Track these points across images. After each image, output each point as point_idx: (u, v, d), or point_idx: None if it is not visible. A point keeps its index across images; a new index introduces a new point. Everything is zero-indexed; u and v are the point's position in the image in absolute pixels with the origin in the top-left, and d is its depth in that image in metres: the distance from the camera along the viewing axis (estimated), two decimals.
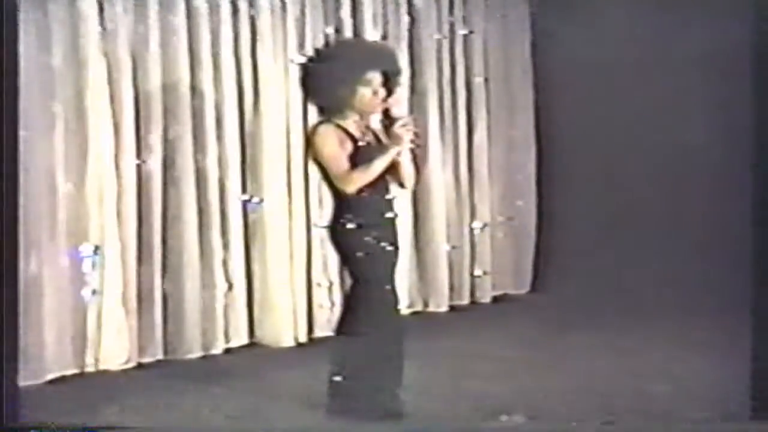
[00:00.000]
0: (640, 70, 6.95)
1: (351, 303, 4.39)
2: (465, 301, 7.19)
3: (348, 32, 6.36)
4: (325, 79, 4.28)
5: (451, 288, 7.09)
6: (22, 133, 4.04)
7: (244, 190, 5.93)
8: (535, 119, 7.65)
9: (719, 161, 6.70)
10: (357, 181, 4.21)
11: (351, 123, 4.31)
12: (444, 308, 7.02)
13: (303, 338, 6.08)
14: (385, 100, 4.32)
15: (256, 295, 5.98)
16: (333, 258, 5.82)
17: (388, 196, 4.37)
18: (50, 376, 5.11)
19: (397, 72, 4.43)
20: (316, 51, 4.61)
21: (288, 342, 5.98)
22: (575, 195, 7.35)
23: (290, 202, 6.06)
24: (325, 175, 4.32)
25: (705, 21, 6.48)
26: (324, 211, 5.73)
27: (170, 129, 5.60)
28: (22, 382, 4.39)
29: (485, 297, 7.31)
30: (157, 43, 5.53)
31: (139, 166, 5.49)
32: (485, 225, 7.28)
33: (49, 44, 5.15)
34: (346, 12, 6.39)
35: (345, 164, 4.22)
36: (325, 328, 5.95)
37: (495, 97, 7.39)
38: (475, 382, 4.97)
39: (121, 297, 5.41)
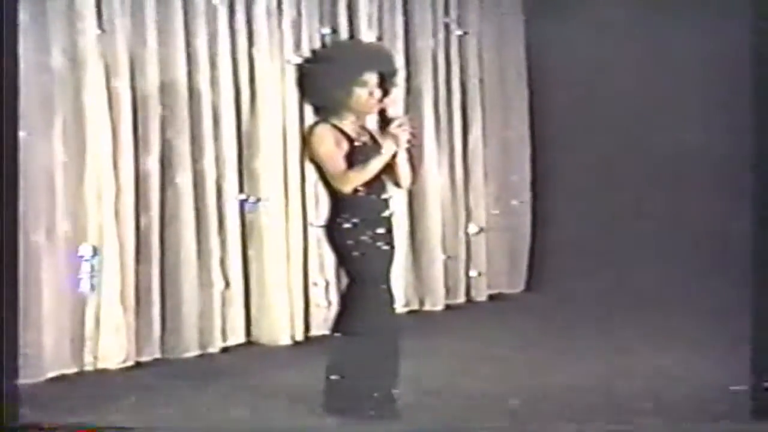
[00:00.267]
0: (635, 70, 6.97)
1: (347, 302, 4.40)
2: (460, 300, 7.22)
3: (344, 33, 6.38)
4: (322, 80, 4.30)
5: (447, 287, 7.12)
6: (21, 133, 4.07)
7: (241, 190, 5.94)
8: (530, 119, 7.67)
9: (718, 161, 6.71)
10: (353, 180, 4.23)
11: (347, 123, 4.33)
12: (440, 307, 7.05)
13: (300, 337, 6.10)
14: (381, 100, 4.34)
15: (253, 294, 6.00)
16: (329, 257, 5.82)
17: (384, 196, 4.39)
18: (49, 375, 5.13)
19: (393, 73, 4.45)
20: (313, 52, 4.64)
21: (285, 341, 6.01)
22: (570, 195, 7.36)
23: (287, 202, 6.08)
24: (321, 175, 4.34)
25: (703, 20, 6.49)
26: (320, 210, 5.75)
27: (168, 129, 5.62)
28: (22, 380, 4.40)
29: (481, 296, 7.33)
30: (154, 44, 5.55)
31: (136, 166, 5.50)
32: (481, 230, 7.30)
33: (47, 45, 5.15)
34: (342, 13, 6.41)
35: (341, 164, 4.24)
36: (321, 327, 5.97)
37: (490, 98, 7.41)
38: (470, 380, 4.99)
39: (119, 296, 5.42)
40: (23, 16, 4.73)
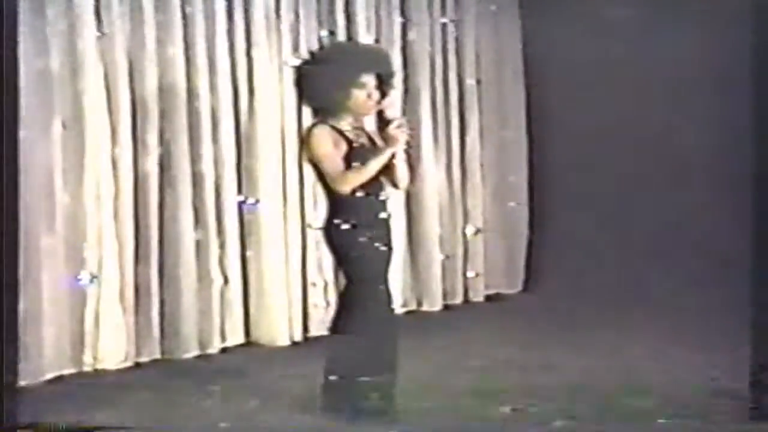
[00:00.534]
0: (633, 69, 6.97)
1: (345, 302, 4.41)
2: (458, 300, 7.24)
3: (342, 35, 6.40)
4: (320, 82, 4.32)
5: (445, 288, 7.14)
6: (20, 134, 4.08)
7: (239, 191, 5.96)
8: (527, 120, 7.69)
9: (718, 160, 6.72)
10: (352, 181, 4.25)
11: (345, 125, 4.35)
12: (438, 307, 7.07)
13: (298, 337, 6.12)
14: (379, 102, 4.36)
15: (252, 295, 6.02)
16: (328, 258, 5.83)
17: (381, 197, 4.40)
18: (49, 376, 5.13)
19: (391, 74, 4.47)
20: (311, 54, 4.65)
21: (283, 341, 6.02)
22: (567, 196, 7.37)
23: (285, 203, 6.10)
24: (319, 176, 4.35)
25: (702, 19, 6.50)
26: (319, 211, 5.76)
27: (167, 131, 5.64)
28: (21, 381, 4.42)
29: (478, 296, 7.35)
30: (153, 47, 5.56)
31: (135, 168, 5.52)
32: (478, 230, 7.32)
33: (46, 48, 5.17)
34: (339, 15, 6.43)
35: (340, 165, 4.26)
36: (320, 328, 5.98)
37: (487, 99, 7.43)
38: (468, 380, 4.99)
39: (118, 297, 5.43)
40: (23, 18, 4.75)
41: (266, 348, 5.96)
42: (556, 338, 5.93)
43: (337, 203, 4.33)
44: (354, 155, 4.29)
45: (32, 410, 4.25)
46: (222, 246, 5.87)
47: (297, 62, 4.84)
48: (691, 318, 6.12)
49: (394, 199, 4.71)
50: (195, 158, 5.75)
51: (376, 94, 4.34)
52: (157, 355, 5.61)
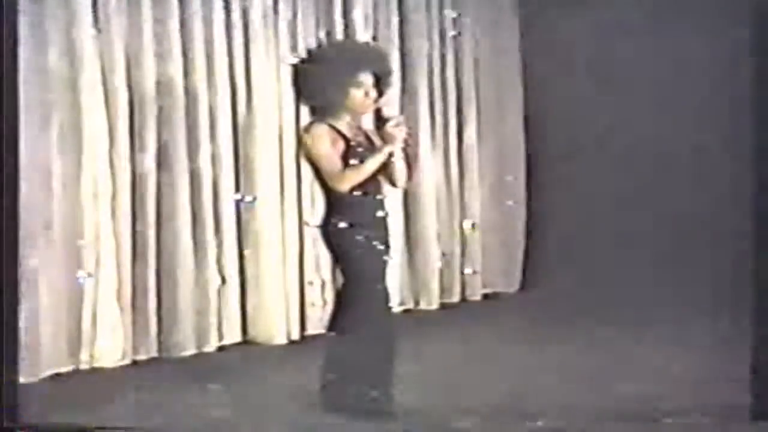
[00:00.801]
0: (632, 69, 6.98)
1: (343, 301, 4.42)
2: (456, 299, 7.25)
3: (339, 33, 6.40)
4: (317, 81, 4.32)
5: (442, 286, 7.15)
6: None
7: (237, 189, 5.96)
8: (525, 119, 7.70)
9: (717, 160, 6.72)
10: (350, 179, 4.25)
11: (343, 123, 4.35)
12: (435, 306, 7.07)
13: (296, 336, 6.12)
14: (376, 100, 4.37)
15: (249, 294, 6.02)
16: (325, 257, 5.83)
17: (379, 196, 4.40)
18: (46, 373, 5.13)
19: (388, 73, 4.48)
20: (308, 52, 4.65)
21: (281, 340, 6.03)
22: (565, 195, 7.38)
23: (283, 202, 6.10)
24: (317, 174, 4.36)
25: (702, 18, 6.51)
26: (316, 210, 5.76)
27: (164, 129, 5.64)
28: (18, 379, 4.41)
29: (475, 295, 7.36)
30: (151, 44, 5.56)
31: (133, 166, 5.52)
32: (474, 224, 7.32)
33: (44, 45, 5.17)
34: (337, 13, 6.43)
35: (338, 163, 4.26)
36: (317, 326, 5.97)
37: (485, 97, 7.44)
38: (466, 379, 5.00)
39: (115, 295, 5.44)
40: (21, 17, 4.75)
41: (263, 346, 5.96)
42: (554, 337, 5.93)
43: (334, 202, 4.33)
44: (352, 154, 4.29)
45: (29, 408, 4.24)
46: (219, 244, 5.88)
47: (294, 61, 4.83)
48: (690, 317, 6.11)
49: (391, 198, 4.70)
50: (192, 156, 5.75)
51: (373, 93, 4.34)
52: (155, 354, 5.61)
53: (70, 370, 5.29)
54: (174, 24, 5.67)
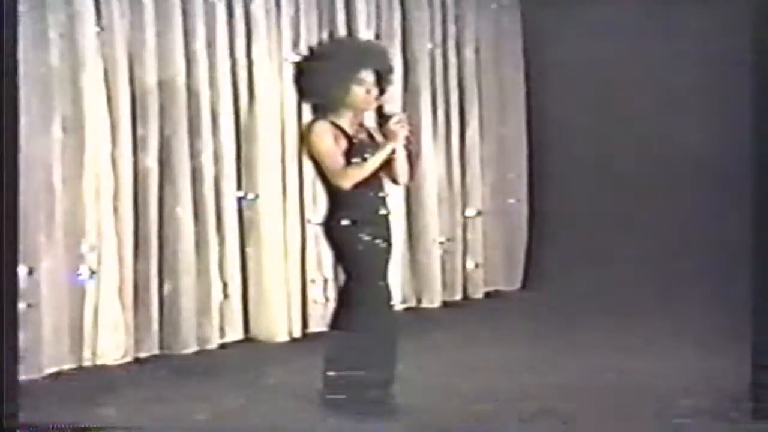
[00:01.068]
0: (634, 67, 6.97)
1: (345, 299, 4.43)
2: (458, 297, 7.24)
3: (342, 31, 6.39)
4: (319, 78, 4.32)
5: (444, 284, 7.14)
6: (20, 131, 4.08)
7: (239, 187, 5.96)
8: (527, 117, 7.69)
9: (718, 159, 6.71)
10: (352, 177, 4.25)
11: (345, 120, 4.36)
12: (437, 304, 7.07)
13: (297, 333, 6.11)
14: (378, 97, 4.37)
15: (251, 291, 6.02)
16: (327, 254, 5.85)
17: (381, 193, 4.41)
18: (48, 371, 5.14)
19: (389, 70, 4.48)
20: (310, 50, 4.65)
21: (283, 337, 6.02)
22: (567, 193, 7.37)
23: (285, 199, 6.10)
24: (319, 172, 4.36)
25: (703, 18, 6.50)
26: (318, 207, 5.76)
27: (166, 126, 5.64)
28: (20, 376, 4.41)
29: (477, 293, 7.36)
30: (153, 42, 5.56)
31: (135, 163, 5.52)
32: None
33: (46, 43, 5.17)
34: (340, 11, 6.43)
35: (340, 160, 4.27)
36: (319, 324, 6.00)
37: (487, 95, 7.43)
38: (467, 377, 4.99)
39: (117, 292, 5.44)
40: (23, 15, 4.75)
41: (265, 344, 5.96)
42: (555, 335, 5.93)
43: (336, 199, 4.34)
44: (354, 151, 4.30)
45: (31, 405, 4.24)
46: (221, 242, 5.87)
47: (296, 58, 4.84)
48: (691, 317, 6.10)
49: (393, 196, 4.70)
50: (194, 154, 5.75)
51: (374, 90, 4.35)
52: (157, 351, 5.61)
53: (72, 368, 5.29)
54: (176, 21, 5.66)
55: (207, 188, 5.80)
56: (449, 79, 7.20)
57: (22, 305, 4.39)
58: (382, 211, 4.41)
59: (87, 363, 5.35)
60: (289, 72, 5.42)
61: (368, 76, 4.34)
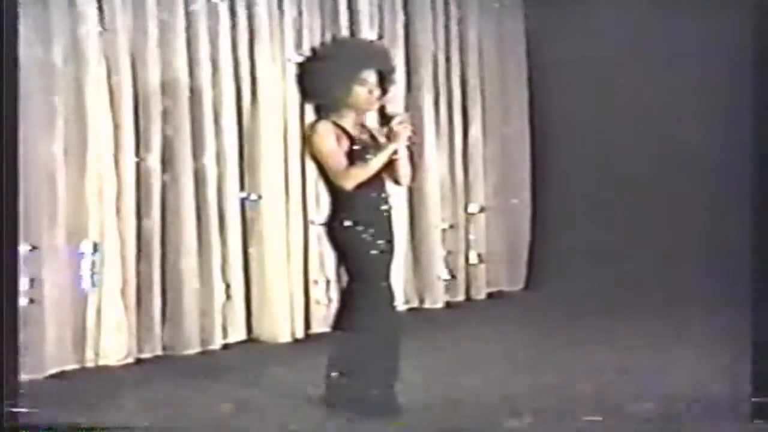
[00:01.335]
0: (636, 67, 6.97)
1: (347, 299, 4.42)
2: (460, 297, 7.24)
3: (345, 31, 6.39)
4: (321, 78, 4.32)
5: (447, 284, 7.14)
6: (22, 130, 4.08)
7: (242, 188, 5.97)
8: (530, 117, 7.69)
9: (719, 159, 6.71)
10: (355, 177, 4.25)
11: (347, 121, 4.35)
12: (440, 305, 7.07)
13: (300, 334, 6.11)
14: (380, 98, 4.37)
15: (254, 292, 6.02)
16: (330, 255, 5.84)
17: (383, 194, 4.41)
18: (50, 371, 5.14)
19: (392, 70, 4.47)
20: (313, 50, 4.65)
21: (285, 338, 6.02)
22: (570, 193, 7.37)
23: (287, 200, 6.10)
24: (322, 173, 4.36)
25: (703, 18, 6.49)
26: (321, 208, 5.76)
27: (169, 127, 5.64)
28: (23, 376, 4.42)
29: (480, 294, 7.36)
30: (156, 42, 5.56)
31: (138, 164, 5.52)
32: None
33: (49, 43, 5.17)
34: (342, 11, 6.43)
35: (343, 161, 4.26)
36: (322, 325, 6.00)
37: (490, 95, 7.43)
38: (470, 377, 5.00)
39: (120, 293, 5.44)
40: (25, 15, 4.75)
41: (268, 345, 5.96)
42: (558, 336, 5.93)
43: (339, 200, 4.33)
44: (356, 152, 4.29)
45: (33, 405, 4.24)
46: (224, 243, 5.87)
47: (299, 58, 4.83)
48: (692, 317, 6.10)
49: (396, 196, 4.70)
50: (197, 155, 5.75)
51: (377, 91, 4.34)
52: (159, 352, 5.62)
53: (74, 368, 5.29)
54: (179, 22, 5.66)
55: (210, 189, 5.80)
56: (452, 79, 7.20)
57: (23, 305, 4.39)
58: (385, 212, 4.40)
59: (90, 364, 5.35)
60: (291, 72, 5.44)
61: (370, 76, 4.33)
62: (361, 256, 4.31)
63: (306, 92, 4.46)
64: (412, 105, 6.81)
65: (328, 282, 6.24)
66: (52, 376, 5.14)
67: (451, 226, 7.13)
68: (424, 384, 4.75)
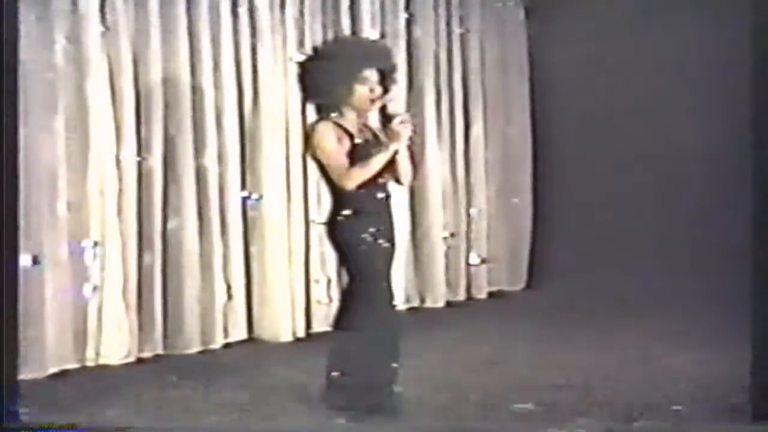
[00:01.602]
0: (637, 68, 6.98)
1: (348, 299, 4.42)
2: (461, 297, 7.24)
3: (346, 31, 6.40)
4: (322, 77, 4.32)
5: (448, 284, 7.14)
6: (23, 130, 4.08)
7: (243, 187, 5.97)
8: (532, 117, 7.70)
9: (719, 159, 6.72)
10: (356, 177, 4.24)
11: (349, 120, 4.35)
12: (441, 304, 7.07)
13: (301, 333, 6.12)
14: (381, 97, 4.36)
15: (255, 291, 6.03)
16: (331, 254, 5.84)
17: (384, 194, 4.41)
18: (51, 371, 5.14)
19: (393, 69, 4.47)
20: (314, 49, 4.64)
21: (286, 337, 6.03)
22: (571, 193, 7.38)
23: (289, 199, 6.10)
24: (323, 172, 4.35)
25: (704, 18, 6.50)
26: (322, 207, 5.77)
27: (170, 126, 5.64)
28: (24, 376, 4.42)
29: (481, 293, 7.36)
30: (157, 42, 5.57)
31: (139, 163, 5.53)
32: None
33: (51, 42, 5.18)
34: (344, 10, 6.43)
35: (344, 161, 4.26)
36: (323, 324, 6.00)
37: (492, 94, 7.44)
38: (470, 377, 5.00)
39: (121, 292, 5.44)
40: (28, 14, 4.77)
41: (269, 344, 5.96)
42: (559, 335, 5.94)
43: (340, 199, 4.33)
44: (358, 151, 4.29)
45: (34, 405, 4.25)
46: (225, 242, 5.88)
47: (300, 58, 4.83)
48: (692, 317, 6.11)
49: (397, 196, 4.69)
50: (199, 154, 5.75)
51: (378, 90, 4.34)
52: (160, 351, 5.62)
53: (75, 367, 5.29)
54: (181, 22, 5.67)
55: (211, 188, 5.80)
56: (453, 78, 7.20)
57: (24, 305, 4.38)
58: (386, 211, 4.40)
59: (90, 363, 5.36)
60: (293, 72, 5.44)
61: (372, 75, 4.33)
62: (362, 256, 4.31)
63: (307, 91, 4.46)
64: (413, 104, 6.82)
65: (329, 281, 6.25)
66: (53, 376, 5.14)
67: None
68: (424, 383, 4.74)
